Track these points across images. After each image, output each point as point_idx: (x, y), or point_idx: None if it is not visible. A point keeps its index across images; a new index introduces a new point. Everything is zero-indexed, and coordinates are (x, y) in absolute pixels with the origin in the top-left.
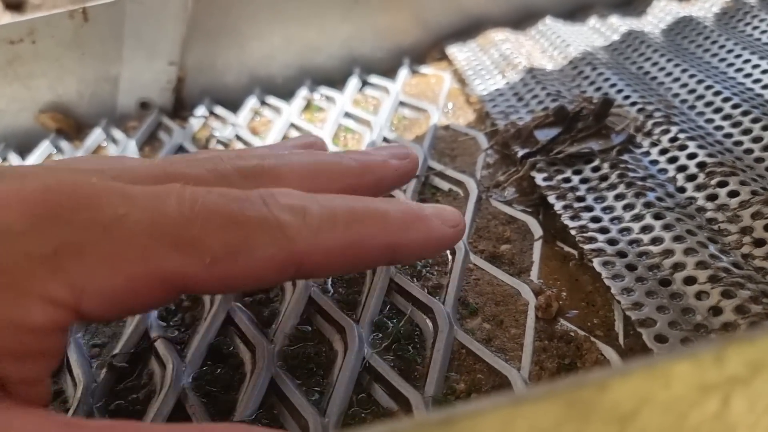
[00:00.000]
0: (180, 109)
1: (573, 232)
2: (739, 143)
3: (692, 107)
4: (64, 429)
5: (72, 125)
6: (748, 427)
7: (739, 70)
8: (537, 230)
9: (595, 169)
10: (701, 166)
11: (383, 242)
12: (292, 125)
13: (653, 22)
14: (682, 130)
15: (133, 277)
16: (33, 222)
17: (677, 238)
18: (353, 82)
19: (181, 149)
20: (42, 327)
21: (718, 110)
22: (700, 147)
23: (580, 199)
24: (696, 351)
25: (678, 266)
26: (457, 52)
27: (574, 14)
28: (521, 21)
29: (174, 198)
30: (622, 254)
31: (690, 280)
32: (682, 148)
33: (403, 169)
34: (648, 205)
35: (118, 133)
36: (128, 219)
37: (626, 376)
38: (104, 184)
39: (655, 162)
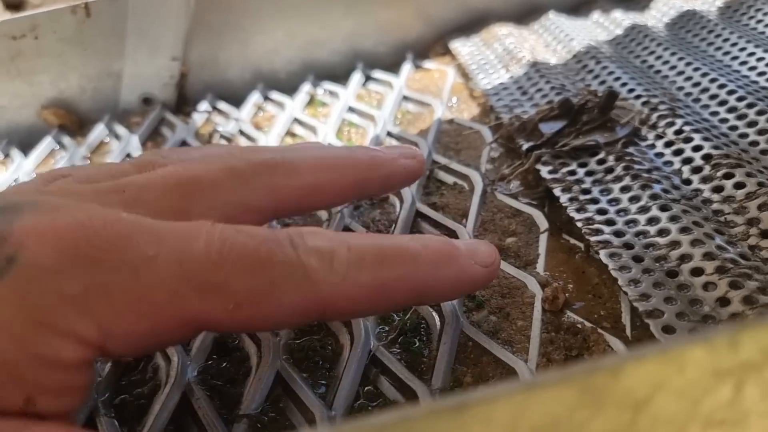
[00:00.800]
0: (183, 104)
1: (579, 225)
2: (744, 135)
3: (697, 100)
4: None
5: (74, 121)
6: (761, 414)
7: (744, 62)
8: (543, 223)
9: (601, 162)
10: (707, 158)
11: (411, 285)
12: (296, 120)
13: (656, 16)
14: (687, 123)
15: (159, 321)
16: (65, 260)
17: (684, 230)
18: (356, 77)
19: (184, 144)
20: (71, 364)
21: (722, 103)
22: (706, 139)
23: (586, 191)
24: (710, 336)
25: (685, 257)
26: (460, 46)
27: (577, 9)
28: (524, 16)
29: (203, 239)
30: (628, 246)
31: (697, 272)
32: (688, 140)
33: (411, 167)
34: (654, 197)
35: (120, 129)
36: (157, 261)
37: (640, 361)
38: (134, 220)
39: (660, 154)
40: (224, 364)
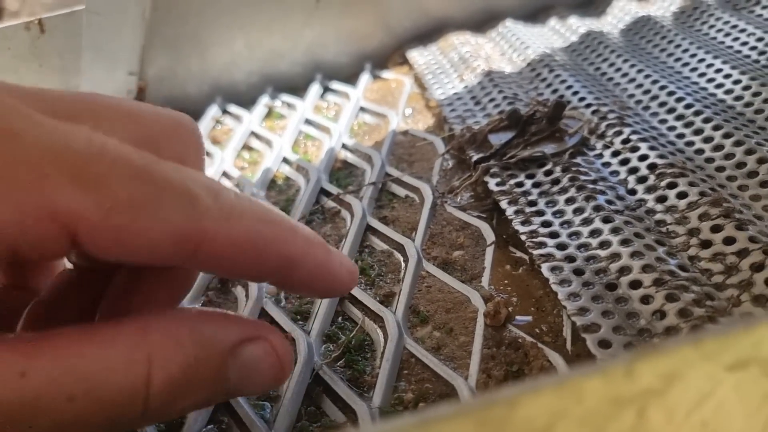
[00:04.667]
0: None
1: (523, 237)
2: (690, 143)
3: (647, 108)
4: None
5: None
6: None
7: (694, 69)
8: (490, 236)
9: (548, 173)
10: (652, 167)
11: (285, 251)
12: (253, 133)
13: (612, 23)
14: (634, 132)
15: (23, 208)
16: None
17: (624, 242)
18: (314, 89)
19: None
20: None
21: (671, 111)
22: (652, 148)
23: (532, 203)
24: (605, 366)
25: (624, 270)
26: (417, 56)
27: (535, 16)
28: (483, 23)
29: (84, 135)
30: (570, 259)
31: (635, 284)
32: (634, 149)
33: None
34: (597, 208)
35: None
36: (25, 140)
37: (536, 392)
38: (11, 101)
39: (607, 164)
40: None
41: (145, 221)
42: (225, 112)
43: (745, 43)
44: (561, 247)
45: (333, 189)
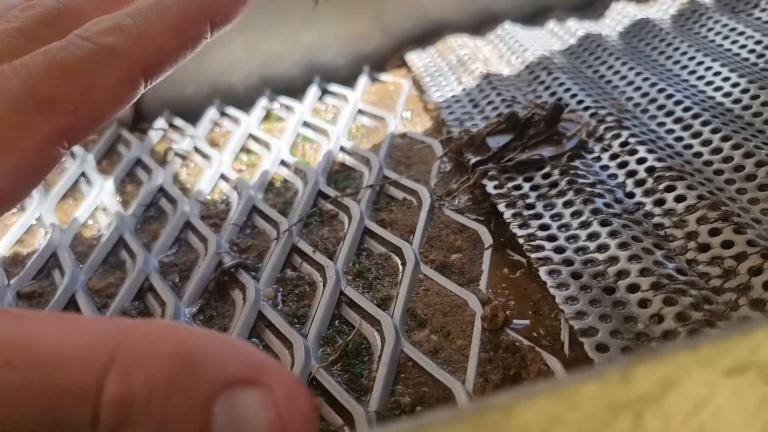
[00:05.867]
0: (139, 120)
1: (521, 241)
2: (688, 147)
3: (645, 111)
4: None
5: None
6: None
7: (692, 72)
8: (488, 239)
9: (546, 176)
10: (650, 170)
11: (198, 7)
12: (251, 136)
13: (611, 25)
14: (632, 135)
15: (24, 150)
16: None
17: (622, 245)
18: (313, 91)
19: (138, 162)
20: None
21: (669, 113)
22: (650, 151)
23: (530, 206)
24: (602, 372)
25: (622, 273)
26: (416, 58)
27: (533, 18)
28: (481, 26)
29: (9, 74)
30: (568, 262)
31: (633, 288)
32: (633, 152)
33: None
34: (596, 211)
35: (76, 147)
36: None
37: (532, 399)
38: None
39: (605, 167)
40: None
41: (99, 96)
42: (223, 114)
43: (743, 46)
44: (559, 250)
45: (331, 192)
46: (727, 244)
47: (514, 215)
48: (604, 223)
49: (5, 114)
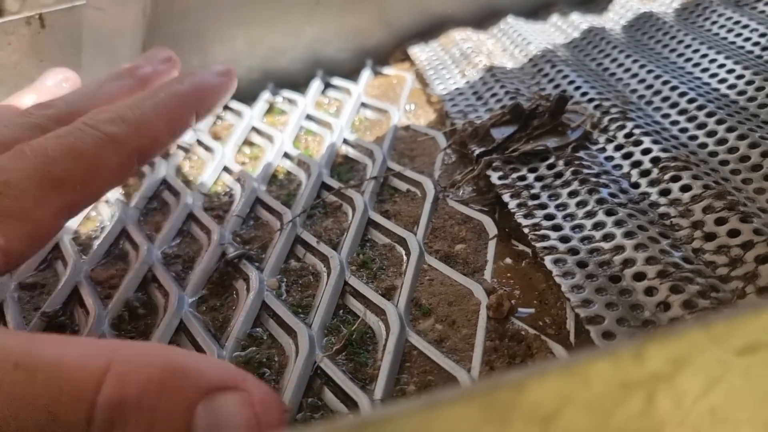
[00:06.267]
0: None
1: (526, 231)
2: (693, 138)
3: (649, 102)
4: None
5: None
6: (676, 424)
7: (696, 64)
8: (492, 229)
9: (550, 167)
10: (655, 161)
11: (182, 90)
12: (254, 129)
13: (614, 19)
14: (637, 126)
15: (39, 220)
16: None
17: (628, 234)
18: (315, 85)
19: None
20: None
21: (674, 105)
22: (655, 142)
23: (535, 196)
24: (615, 349)
25: (628, 262)
26: (419, 52)
27: (536, 12)
28: (484, 20)
29: (28, 153)
30: (573, 251)
31: (639, 276)
32: (637, 143)
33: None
34: (601, 201)
35: None
36: (13, 179)
37: (543, 376)
38: None
39: (610, 158)
40: None
41: (101, 176)
42: (226, 107)
43: (747, 39)
44: (564, 239)
45: (334, 183)
46: (734, 233)
47: (519, 205)
48: (609, 213)
49: (26, 188)
